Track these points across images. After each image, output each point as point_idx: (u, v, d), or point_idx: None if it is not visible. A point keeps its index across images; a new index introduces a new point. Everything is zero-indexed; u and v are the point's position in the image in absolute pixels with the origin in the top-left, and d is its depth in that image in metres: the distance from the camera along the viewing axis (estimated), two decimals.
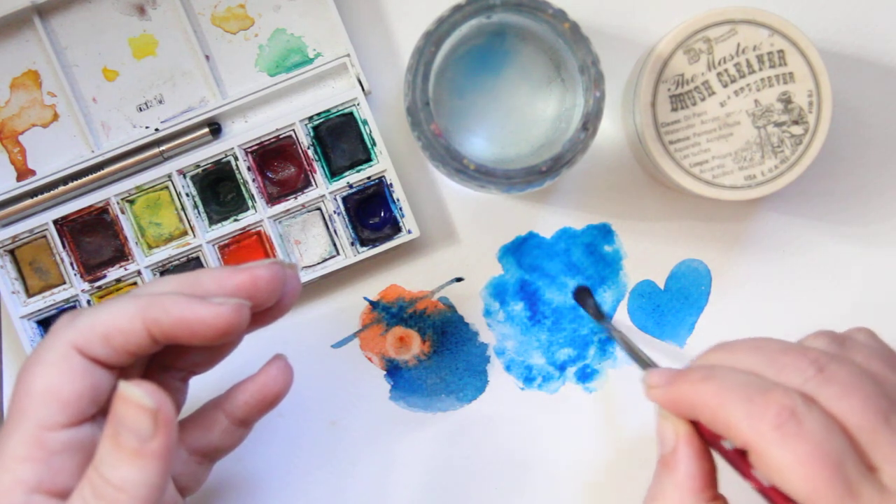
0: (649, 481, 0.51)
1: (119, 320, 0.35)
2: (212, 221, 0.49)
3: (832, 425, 0.32)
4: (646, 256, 0.49)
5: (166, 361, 0.40)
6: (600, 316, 0.48)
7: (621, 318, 0.49)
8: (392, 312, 0.50)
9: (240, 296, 0.37)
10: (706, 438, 0.35)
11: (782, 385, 0.33)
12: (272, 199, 0.48)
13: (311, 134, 0.48)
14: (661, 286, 0.49)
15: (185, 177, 0.48)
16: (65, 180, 0.48)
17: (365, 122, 0.48)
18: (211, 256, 0.48)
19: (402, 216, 0.48)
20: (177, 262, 0.49)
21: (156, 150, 0.48)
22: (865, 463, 0.32)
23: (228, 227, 0.48)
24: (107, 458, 0.33)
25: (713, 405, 0.33)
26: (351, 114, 0.48)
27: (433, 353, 0.50)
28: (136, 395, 0.33)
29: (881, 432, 0.32)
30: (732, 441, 0.33)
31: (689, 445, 0.35)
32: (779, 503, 0.32)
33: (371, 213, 0.49)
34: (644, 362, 0.41)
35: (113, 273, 0.48)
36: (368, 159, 0.48)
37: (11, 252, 0.49)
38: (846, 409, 0.32)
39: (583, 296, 0.49)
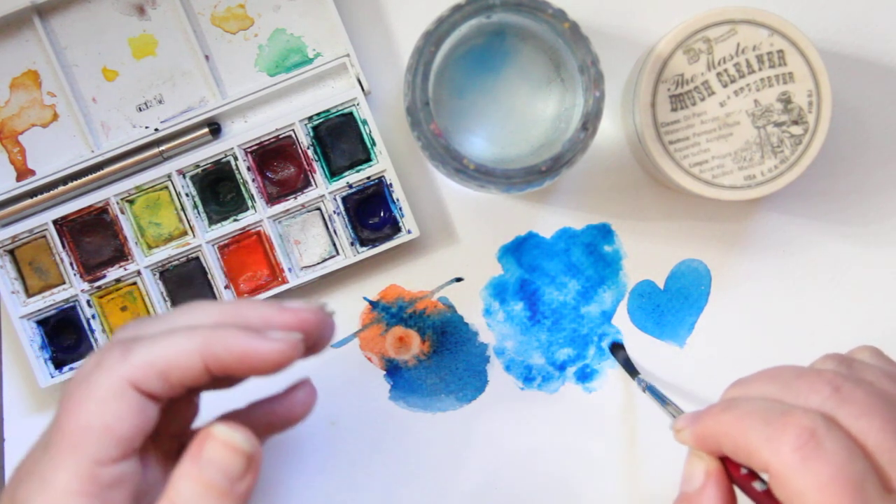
0: (649, 480, 0.52)
1: (178, 357, 0.36)
2: (211, 221, 0.49)
3: (853, 446, 0.31)
4: (646, 256, 0.49)
5: None
6: (633, 371, 0.48)
7: (621, 317, 0.49)
8: (392, 312, 0.50)
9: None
10: (736, 481, 0.35)
11: (801, 407, 0.33)
12: (272, 199, 0.48)
13: (311, 134, 0.48)
14: (661, 286, 0.49)
15: (184, 177, 0.48)
16: (64, 180, 0.48)
17: (365, 122, 0.48)
18: (211, 256, 0.48)
19: (402, 216, 0.48)
20: (176, 262, 0.49)
21: (155, 150, 0.48)
22: (884, 484, 0.31)
23: (228, 227, 0.48)
24: (191, 496, 0.34)
25: (734, 433, 0.33)
26: (351, 114, 0.48)
27: (433, 353, 0.50)
28: (235, 440, 0.34)
29: None
30: (754, 467, 0.33)
31: (716, 486, 0.35)
32: None
33: (371, 213, 0.49)
34: (675, 412, 0.41)
35: (112, 273, 0.48)
36: (368, 159, 0.48)
37: (11, 252, 0.49)
38: (865, 429, 0.32)
39: (616, 351, 0.49)
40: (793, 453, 0.31)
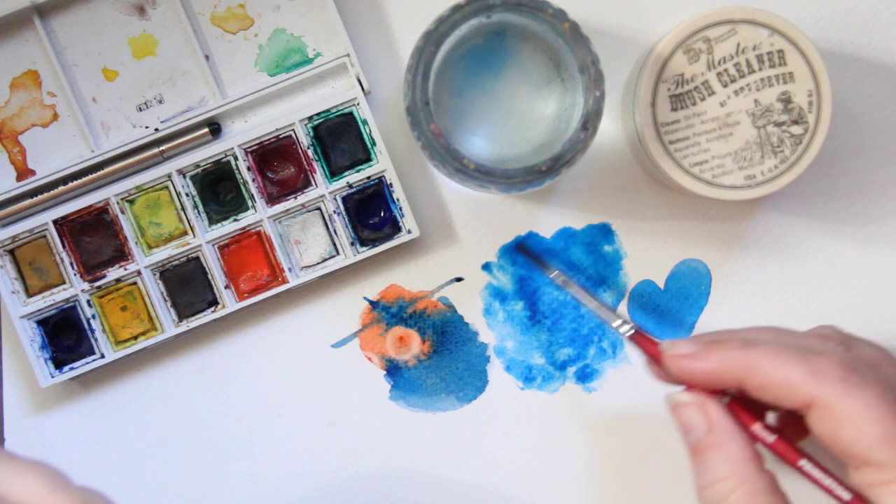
0: (648, 481, 0.52)
1: None
2: (211, 221, 0.49)
3: (881, 374, 0.34)
4: (646, 256, 0.49)
5: None
6: (545, 265, 0.46)
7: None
8: (392, 312, 0.50)
9: None
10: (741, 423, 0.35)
11: (829, 349, 0.35)
12: (272, 199, 0.48)
13: (311, 134, 0.48)
14: (661, 286, 0.49)
15: (184, 177, 0.48)
16: (65, 180, 0.48)
17: (365, 122, 0.48)
18: (211, 256, 0.48)
19: (402, 216, 0.48)
20: (176, 262, 0.49)
21: (156, 150, 0.48)
22: None
23: (228, 227, 0.48)
24: None
25: (767, 367, 0.34)
26: (351, 114, 0.48)
27: (433, 353, 0.50)
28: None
29: None
30: (789, 402, 0.34)
31: (728, 419, 0.35)
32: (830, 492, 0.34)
33: (371, 213, 0.49)
34: (610, 313, 0.41)
35: (113, 273, 0.48)
36: (368, 159, 0.48)
37: (11, 252, 0.49)
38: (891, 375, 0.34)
39: (523, 249, 0.48)
40: (839, 383, 0.33)
